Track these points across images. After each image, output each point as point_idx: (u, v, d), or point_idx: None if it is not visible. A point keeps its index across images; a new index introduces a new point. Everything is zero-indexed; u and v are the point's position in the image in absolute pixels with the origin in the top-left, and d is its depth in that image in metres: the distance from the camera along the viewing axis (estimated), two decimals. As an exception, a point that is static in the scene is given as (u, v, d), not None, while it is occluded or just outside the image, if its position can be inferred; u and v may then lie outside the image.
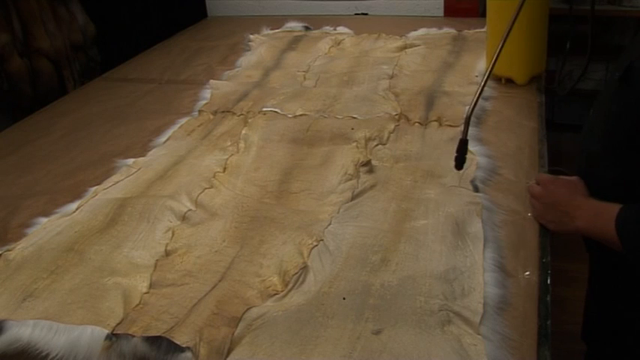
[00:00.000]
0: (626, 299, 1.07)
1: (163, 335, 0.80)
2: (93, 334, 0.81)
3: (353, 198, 1.12)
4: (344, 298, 0.87)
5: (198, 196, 1.16)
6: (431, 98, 1.54)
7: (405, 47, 1.97)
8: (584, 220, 0.97)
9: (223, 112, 1.56)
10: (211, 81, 1.76)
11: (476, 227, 1.01)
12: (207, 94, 1.68)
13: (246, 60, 1.98)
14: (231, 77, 1.83)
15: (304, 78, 1.78)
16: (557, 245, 1.07)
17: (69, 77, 2.27)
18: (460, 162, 1.05)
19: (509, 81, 1.62)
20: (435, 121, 1.42)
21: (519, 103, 1.51)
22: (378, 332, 0.80)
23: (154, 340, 0.80)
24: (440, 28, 2.13)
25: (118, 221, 1.08)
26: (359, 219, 1.05)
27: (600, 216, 0.93)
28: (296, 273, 0.92)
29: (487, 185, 1.15)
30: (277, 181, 1.21)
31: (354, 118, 1.45)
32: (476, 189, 1.13)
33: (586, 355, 1.29)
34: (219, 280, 0.92)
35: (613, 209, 0.91)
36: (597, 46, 3.03)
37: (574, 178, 1.04)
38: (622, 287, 1.07)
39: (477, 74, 1.68)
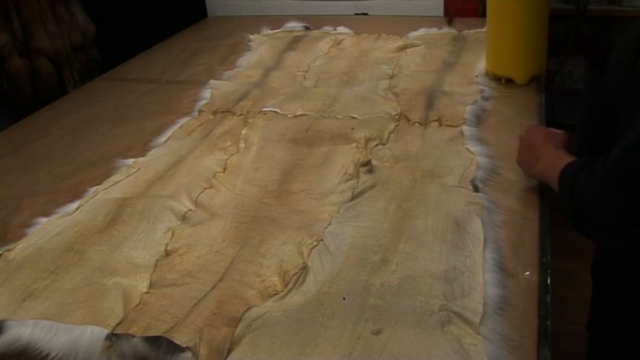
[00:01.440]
0: (631, 301, 1.07)
1: (163, 335, 0.80)
2: (93, 334, 0.82)
3: (353, 198, 1.12)
4: (344, 298, 0.87)
5: (198, 196, 1.16)
6: (431, 98, 1.54)
7: (405, 47, 1.97)
8: (543, 165, 1.03)
9: (223, 112, 1.56)
10: (211, 81, 1.76)
11: (476, 227, 1.01)
12: (207, 94, 1.68)
13: (246, 60, 1.97)
14: (231, 77, 1.83)
15: (304, 78, 1.78)
16: (557, 245, 1.07)
17: (69, 77, 2.27)
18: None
19: (509, 81, 1.62)
20: (435, 121, 1.42)
21: (519, 103, 1.51)
22: (378, 332, 0.80)
23: (154, 340, 0.80)
24: (440, 28, 2.13)
25: (118, 221, 1.08)
26: (359, 219, 1.05)
27: (555, 164, 0.97)
28: (296, 273, 0.92)
29: (487, 185, 1.15)
30: (277, 181, 1.21)
31: (354, 118, 1.45)
32: (476, 189, 1.13)
33: (587, 356, 1.29)
34: (219, 280, 0.92)
35: (566, 160, 0.95)
36: (597, 46, 3.04)
37: (557, 130, 1.11)
38: (627, 290, 1.07)
39: (476, 74, 1.68)
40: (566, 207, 0.92)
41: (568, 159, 0.97)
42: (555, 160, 1.00)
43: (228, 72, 1.87)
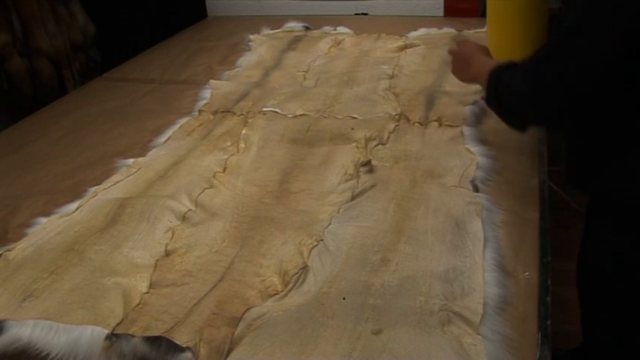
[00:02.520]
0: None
1: (163, 335, 0.80)
2: (93, 334, 0.81)
3: (353, 198, 1.12)
4: (344, 298, 0.87)
5: (198, 196, 1.16)
6: (431, 98, 1.53)
7: (405, 47, 1.97)
8: (474, 70, 1.18)
9: (223, 112, 1.56)
10: (211, 81, 1.76)
11: (476, 227, 1.01)
12: (207, 94, 1.68)
13: (246, 60, 1.97)
14: (231, 77, 1.83)
15: (304, 78, 1.78)
16: (557, 245, 1.07)
17: (69, 77, 2.27)
18: None
19: (509, 81, 1.62)
20: (435, 121, 1.42)
21: (519, 103, 1.51)
22: (378, 332, 0.80)
23: (154, 340, 0.80)
24: (440, 28, 2.13)
25: (118, 221, 1.08)
26: (359, 219, 1.05)
27: (485, 66, 1.11)
28: (296, 273, 0.92)
29: (487, 185, 1.15)
30: (277, 181, 1.21)
31: (354, 118, 1.45)
32: (476, 189, 1.13)
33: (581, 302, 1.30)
34: (219, 280, 0.92)
35: (493, 64, 1.10)
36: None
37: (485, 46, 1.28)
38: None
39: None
40: (491, 100, 1.07)
41: (495, 63, 1.10)
42: (485, 64, 1.13)
43: (228, 72, 1.87)
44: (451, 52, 1.32)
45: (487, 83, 1.07)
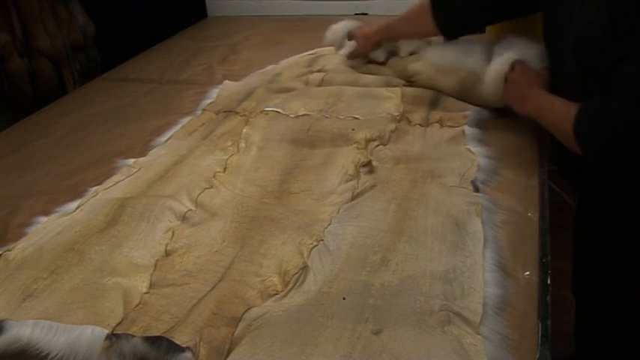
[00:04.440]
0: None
1: (163, 335, 0.80)
2: (93, 334, 0.82)
3: (353, 198, 1.12)
4: (344, 298, 0.87)
5: (198, 196, 1.16)
6: (433, 98, 1.53)
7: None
8: (531, 106, 1.23)
9: (226, 111, 1.55)
10: (226, 81, 1.74)
11: (476, 227, 1.01)
12: (213, 93, 1.67)
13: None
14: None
15: (308, 79, 1.77)
16: (557, 245, 1.07)
17: (69, 77, 2.27)
18: None
19: (510, 81, 1.61)
20: (437, 122, 1.41)
21: (519, 103, 1.51)
22: (378, 332, 0.80)
23: (154, 340, 0.80)
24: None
25: (118, 221, 1.08)
26: (359, 219, 1.05)
27: (544, 106, 1.18)
28: (296, 273, 0.92)
29: (487, 185, 1.15)
30: (277, 181, 1.21)
31: (356, 118, 1.44)
32: (476, 189, 1.13)
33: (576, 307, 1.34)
34: (219, 280, 0.92)
35: (554, 103, 1.16)
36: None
37: (541, 70, 1.28)
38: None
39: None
40: (590, 147, 1.09)
41: (557, 101, 1.15)
42: (545, 102, 1.18)
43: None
44: (508, 78, 1.32)
45: (577, 130, 1.07)
